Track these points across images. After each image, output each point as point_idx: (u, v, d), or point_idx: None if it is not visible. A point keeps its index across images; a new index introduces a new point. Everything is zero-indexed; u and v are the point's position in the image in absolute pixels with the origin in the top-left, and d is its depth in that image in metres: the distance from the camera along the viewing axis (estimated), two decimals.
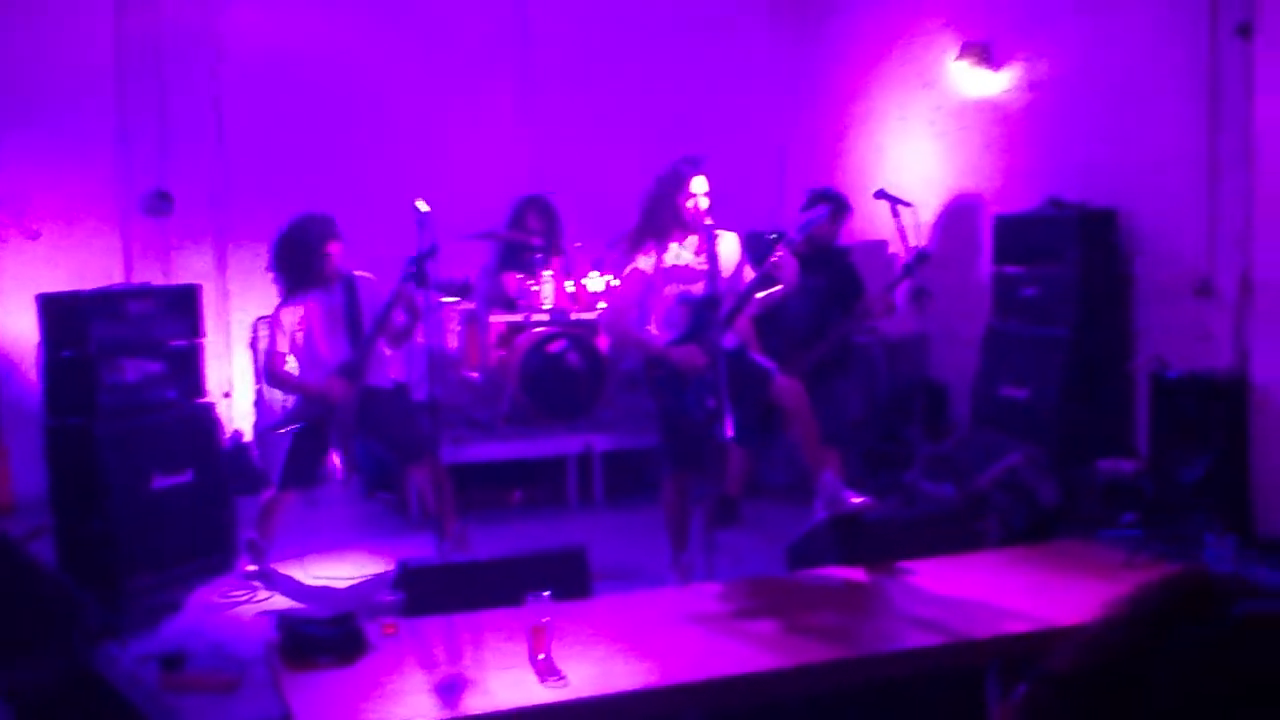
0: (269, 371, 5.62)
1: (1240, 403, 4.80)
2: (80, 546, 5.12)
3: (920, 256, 6.12)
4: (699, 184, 5.03)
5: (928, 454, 6.62)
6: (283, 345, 5.50)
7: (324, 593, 5.38)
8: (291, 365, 5.52)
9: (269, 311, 5.92)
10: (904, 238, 6.27)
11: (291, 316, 5.52)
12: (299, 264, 5.53)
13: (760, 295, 5.10)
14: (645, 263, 5.12)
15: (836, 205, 6.32)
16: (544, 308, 7.52)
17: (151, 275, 7.33)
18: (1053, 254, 6.06)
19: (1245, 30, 4.93)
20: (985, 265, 6.82)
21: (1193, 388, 4.98)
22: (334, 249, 5.53)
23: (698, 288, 4.99)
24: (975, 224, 7.18)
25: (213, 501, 5.59)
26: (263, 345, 6.90)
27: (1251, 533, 4.67)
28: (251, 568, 5.54)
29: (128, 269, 7.53)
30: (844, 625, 3.86)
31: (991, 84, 6.98)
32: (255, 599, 5.33)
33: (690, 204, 5.03)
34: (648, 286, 5.14)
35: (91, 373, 5.19)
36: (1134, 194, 5.93)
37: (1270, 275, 4.75)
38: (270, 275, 5.66)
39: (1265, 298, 4.76)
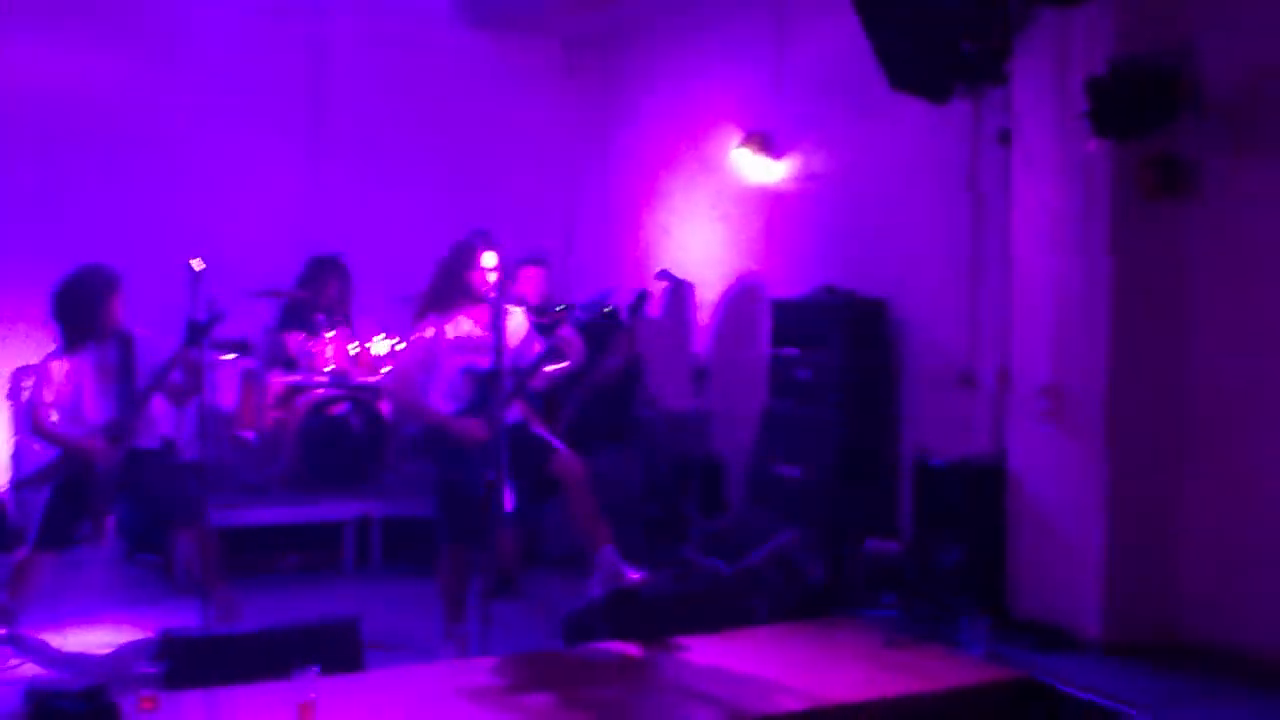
0: (32, 423, 5.47)
1: (997, 490, 5.08)
2: None
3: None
4: (489, 258, 5.11)
5: (703, 529, 6.77)
6: (48, 397, 5.38)
7: (79, 660, 5.10)
8: (56, 419, 5.38)
9: (33, 361, 5.72)
10: (689, 317, 6.43)
11: (61, 369, 5.40)
12: (77, 316, 5.41)
13: (547, 370, 5.19)
14: (432, 331, 5.15)
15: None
16: (326, 369, 7.38)
17: None
18: (824, 339, 6.30)
19: (1005, 137, 5.26)
20: (764, 346, 7.04)
21: (953, 474, 5.24)
22: (115, 303, 5.42)
23: (483, 360, 5.02)
24: (755, 306, 7.40)
25: None
26: (25, 396, 6.59)
27: (1006, 614, 4.93)
28: (0, 632, 5.21)
29: None
30: (616, 701, 3.90)
31: (771, 172, 7.25)
32: (3, 666, 5.01)
33: (480, 277, 5.11)
34: (433, 355, 5.17)
35: None
36: (903, 286, 6.25)
37: (1025, 369, 5.06)
38: (44, 325, 5.47)
39: (1021, 390, 5.07)
